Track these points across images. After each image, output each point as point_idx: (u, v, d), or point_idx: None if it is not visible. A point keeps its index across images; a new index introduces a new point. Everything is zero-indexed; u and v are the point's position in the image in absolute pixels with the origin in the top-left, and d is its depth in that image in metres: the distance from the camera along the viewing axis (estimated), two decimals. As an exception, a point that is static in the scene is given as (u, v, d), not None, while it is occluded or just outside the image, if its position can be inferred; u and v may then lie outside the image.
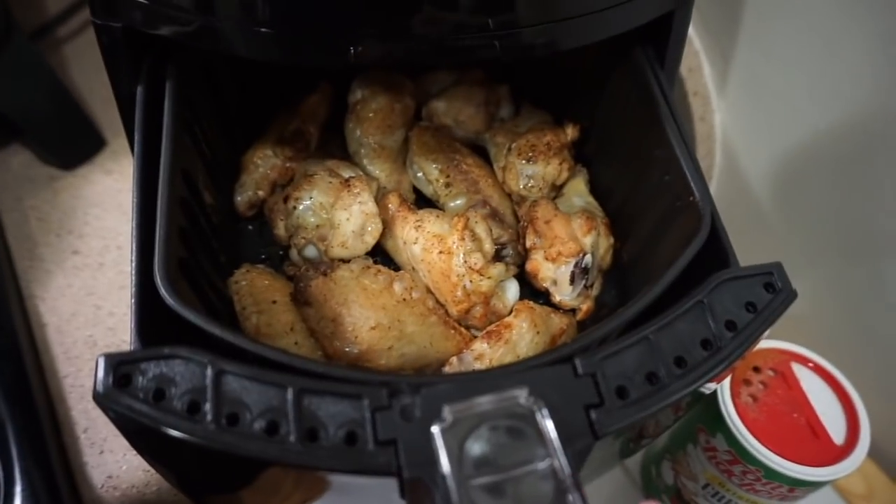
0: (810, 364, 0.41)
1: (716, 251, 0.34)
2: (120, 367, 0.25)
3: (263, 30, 0.33)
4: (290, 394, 0.25)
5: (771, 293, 0.30)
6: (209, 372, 0.25)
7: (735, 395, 0.40)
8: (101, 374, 0.25)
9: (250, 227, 0.49)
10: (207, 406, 0.25)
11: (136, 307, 0.30)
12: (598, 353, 0.27)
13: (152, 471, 0.46)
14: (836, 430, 0.39)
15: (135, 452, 0.47)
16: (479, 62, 0.53)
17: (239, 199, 0.47)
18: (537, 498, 0.23)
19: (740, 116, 0.59)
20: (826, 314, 0.53)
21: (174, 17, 0.34)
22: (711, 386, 0.42)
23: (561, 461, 0.24)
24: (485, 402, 0.25)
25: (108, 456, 0.46)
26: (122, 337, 0.51)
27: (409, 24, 0.32)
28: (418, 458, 0.24)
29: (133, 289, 0.30)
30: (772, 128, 0.55)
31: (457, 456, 0.24)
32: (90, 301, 0.53)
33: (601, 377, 0.27)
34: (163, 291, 0.29)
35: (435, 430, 0.24)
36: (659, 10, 0.39)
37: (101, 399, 0.25)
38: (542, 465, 0.24)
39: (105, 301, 0.53)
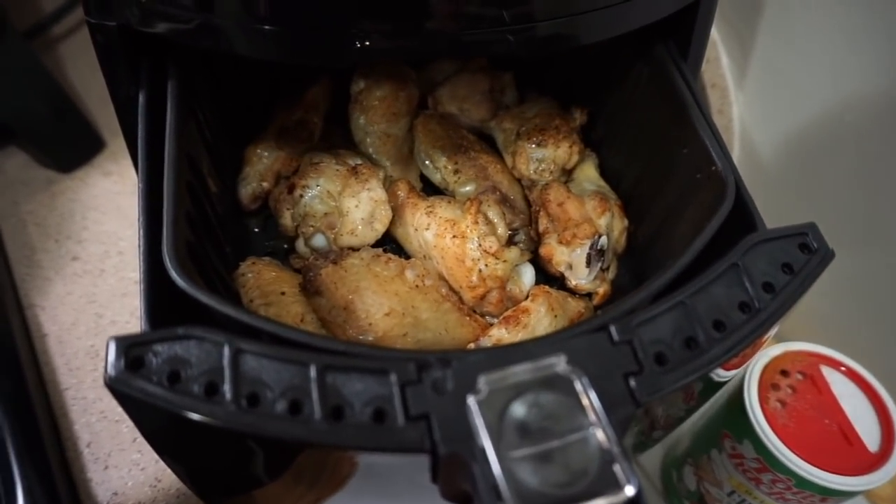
0: (842, 368, 0.39)
1: (742, 218, 0.33)
2: (132, 350, 0.23)
3: (266, 27, 0.31)
4: (312, 371, 0.24)
5: (807, 254, 0.28)
6: (226, 351, 0.24)
7: (763, 401, 0.38)
8: (112, 356, 0.23)
9: (256, 228, 0.47)
10: (226, 387, 0.23)
11: (145, 290, 0.28)
12: (633, 319, 0.26)
13: (159, 486, 0.45)
14: (869, 436, 0.37)
15: (141, 467, 0.45)
16: (492, 57, 0.52)
17: (243, 191, 0.45)
18: (582, 468, 0.22)
19: (759, 109, 0.57)
20: (853, 313, 0.51)
21: (171, 14, 0.32)
22: (724, 374, 0.41)
23: (606, 430, 0.22)
24: (521, 371, 0.24)
25: (113, 472, 0.44)
26: (126, 347, 0.50)
27: (419, 19, 0.31)
28: (454, 433, 0.23)
29: (141, 273, 0.29)
30: (792, 120, 0.53)
31: (495, 428, 0.22)
32: (91, 309, 0.51)
33: (638, 344, 0.25)
34: (172, 273, 0.28)
35: (471, 401, 0.23)
36: (683, 2, 0.37)
37: (113, 383, 0.23)
38: (585, 434, 0.22)
39: (107, 309, 0.51)
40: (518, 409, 0.23)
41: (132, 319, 0.51)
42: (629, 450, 0.23)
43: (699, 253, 0.31)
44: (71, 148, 0.58)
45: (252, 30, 0.32)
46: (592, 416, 0.23)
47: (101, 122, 0.60)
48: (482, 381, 0.23)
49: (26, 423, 0.44)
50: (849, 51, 0.46)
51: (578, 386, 0.23)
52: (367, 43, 0.31)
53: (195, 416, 0.23)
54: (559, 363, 0.24)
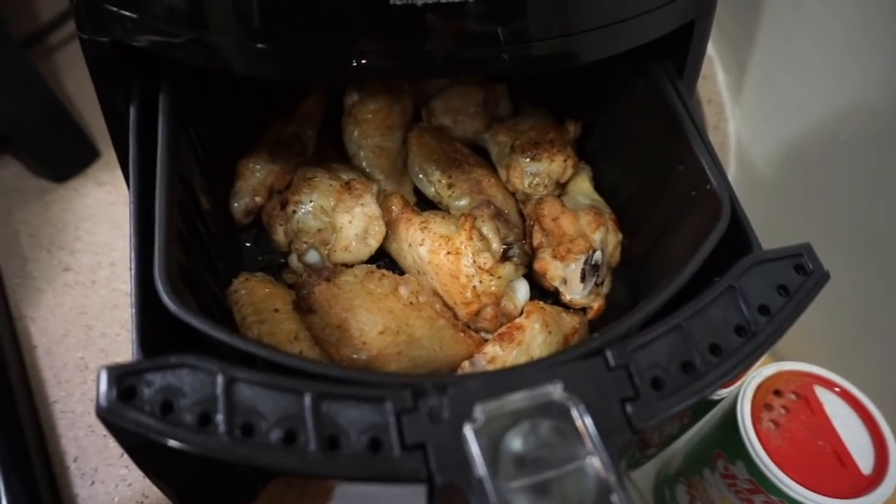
0: (836, 389, 0.39)
1: (737, 237, 0.33)
2: (124, 379, 0.23)
3: (260, 46, 0.31)
4: (307, 400, 0.23)
5: (802, 275, 0.29)
6: (220, 380, 0.23)
7: (756, 421, 0.37)
8: (103, 386, 0.23)
9: (248, 243, 0.47)
10: (220, 417, 0.23)
11: (137, 316, 0.28)
12: (629, 343, 0.26)
13: (146, 503, 0.44)
14: (863, 458, 0.37)
15: (128, 483, 0.45)
16: (488, 75, 0.51)
17: (235, 205, 0.45)
18: (579, 498, 0.22)
19: (756, 125, 0.57)
20: (847, 332, 0.51)
21: (165, 31, 0.32)
22: (719, 392, 0.41)
23: (603, 458, 0.22)
24: (518, 399, 0.23)
25: (100, 487, 0.44)
26: (115, 359, 0.49)
27: (414, 38, 0.31)
28: (450, 462, 0.22)
29: (133, 297, 0.29)
30: (789, 137, 0.52)
31: (492, 457, 0.22)
32: (82, 321, 0.51)
33: (635, 369, 0.25)
34: (164, 298, 0.27)
35: (468, 430, 0.23)
36: (679, 21, 0.38)
37: (104, 414, 0.23)
38: (582, 463, 0.22)
39: (97, 321, 0.51)
40: (515, 438, 0.23)
41: (122, 332, 0.51)
42: (625, 475, 0.23)
43: (694, 273, 0.31)
44: (65, 157, 0.58)
45: (246, 48, 0.31)
46: (589, 445, 0.23)
47: (96, 132, 0.60)
48: (479, 410, 0.23)
49: (13, 437, 0.44)
50: (845, 67, 0.46)
51: (575, 413, 0.23)
52: (363, 61, 0.31)
53: (188, 448, 0.22)
54: (555, 391, 0.24)
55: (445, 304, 0.41)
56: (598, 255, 0.42)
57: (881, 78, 0.43)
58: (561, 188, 0.49)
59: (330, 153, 0.49)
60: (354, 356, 0.37)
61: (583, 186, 0.48)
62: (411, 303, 0.40)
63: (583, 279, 0.42)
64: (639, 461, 0.49)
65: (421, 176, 0.48)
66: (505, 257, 0.43)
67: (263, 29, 0.30)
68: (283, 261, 0.45)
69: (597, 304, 0.43)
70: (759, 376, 0.39)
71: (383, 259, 0.45)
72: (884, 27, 0.42)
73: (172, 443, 0.22)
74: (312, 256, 0.42)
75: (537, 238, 0.44)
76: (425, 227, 0.42)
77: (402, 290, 0.40)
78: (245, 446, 0.23)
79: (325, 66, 0.32)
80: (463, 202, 0.46)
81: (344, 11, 0.30)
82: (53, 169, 0.57)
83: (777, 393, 0.39)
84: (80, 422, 0.46)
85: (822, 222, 0.51)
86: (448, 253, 0.40)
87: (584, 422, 0.23)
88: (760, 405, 0.38)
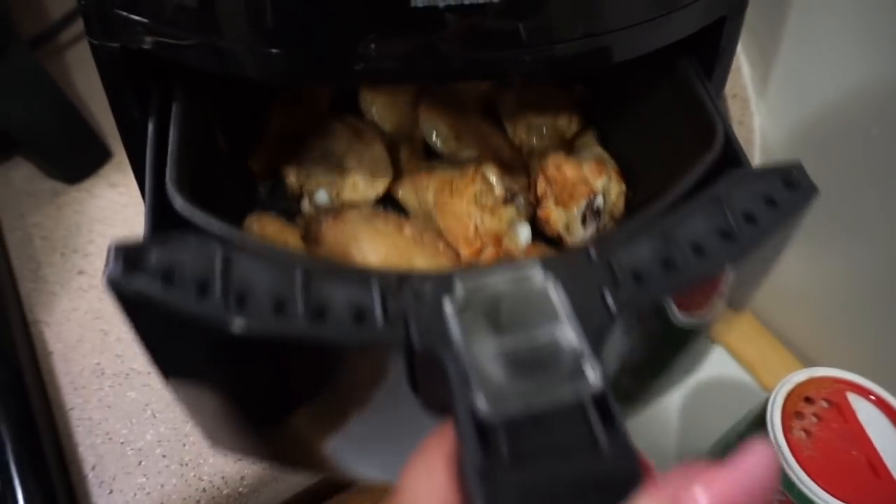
0: (871, 396, 0.38)
1: (732, 164, 0.33)
2: (130, 252, 0.25)
3: (274, 51, 0.30)
4: (298, 276, 0.25)
5: (791, 189, 0.29)
6: (218, 255, 0.25)
7: (787, 430, 0.36)
8: (112, 258, 0.25)
9: (263, 195, 0.47)
10: (217, 287, 0.24)
11: (150, 214, 0.30)
12: (612, 242, 0.27)
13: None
14: None
15: (147, 491, 0.43)
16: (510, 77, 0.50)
17: (252, 157, 0.47)
18: (555, 369, 0.22)
19: (782, 120, 0.55)
20: (881, 335, 0.48)
21: (176, 36, 0.32)
22: (684, 319, 0.40)
23: (577, 331, 0.23)
24: (498, 279, 0.24)
25: (118, 496, 0.43)
26: (131, 365, 0.48)
27: (436, 41, 0.30)
28: (430, 332, 0.23)
29: (147, 200, 0.31)
30: (817, 133, 0.51)
31: (470, 330, 0.23)
32: (97, 325, 0.49)
33: (616, 263, 0.26)
34: (171, 196, 0.29)
35: (447, 305, 0.24)
36: (708, 18, 0.36)
37: (111, 283, 0.24)
38: (557, 336, 0.23)
39: (112, 325, 0.49)
40: (493, 313, 0.24)
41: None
42: (601, 356, 0.24)
43: (688, 193, 0.31)
44: (77, 159, 0.56)
45: (259, 53, 0.31)
46: (565, 320, 0.23)
47: (108, 132, 0.58)
48: (459, 287, 0.24)
49: (31, 448, 0.43)
50: (877, 59, 0.44)
51: (554, 295, 0.24)
52: (376, 65, 0.30)
53: (187, 313, 0.24)
54: (536, 273, 0.25)
55: (449, 245, 0.43)
56: (599, 199, 0.43)
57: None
58: (568, 145, 0.49)
59: (343, 112, 0.51)
60: (357, 285, 0.38)
61: (588, 142, 0.48)
62: (415, 240, 0.41)
63: (583, 222, 0.43)
64: (626, 393, 0.47)
65: (430, 130, 0.49)
66: (508, 202, 0.44)
67: (278, 34, 0.30)
68: (294, 212, 0.47)
69: (599, 252, 0.44)
70: (790, 383, 0.38)
71: (390, 206, 0.46)
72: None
73: (172, 308, 0.24)
74: (321, 196, 0.44)
75: (541, 187, 0.45)
76: (431, 173, 0.43)
77: (407, 229, 0.41)
78: (238, 314, 0.24)
79: (341, 72, 0.31)
80: (469, 153, 0.47)
81: (363, 15, 0.29)
82: (65, 170, 0.56)
83: (808, 400, 0.38)
84: (98, 429, 0.45)
85: (852, 220, 0.48)
86: (451, 194, 0.42)
87: (562, 300, 0.24)
88: (791, 413, 0.37)
